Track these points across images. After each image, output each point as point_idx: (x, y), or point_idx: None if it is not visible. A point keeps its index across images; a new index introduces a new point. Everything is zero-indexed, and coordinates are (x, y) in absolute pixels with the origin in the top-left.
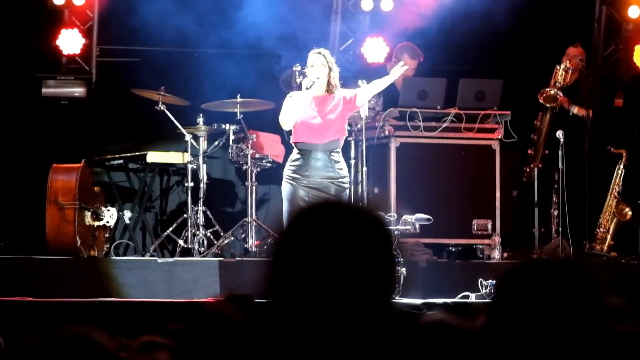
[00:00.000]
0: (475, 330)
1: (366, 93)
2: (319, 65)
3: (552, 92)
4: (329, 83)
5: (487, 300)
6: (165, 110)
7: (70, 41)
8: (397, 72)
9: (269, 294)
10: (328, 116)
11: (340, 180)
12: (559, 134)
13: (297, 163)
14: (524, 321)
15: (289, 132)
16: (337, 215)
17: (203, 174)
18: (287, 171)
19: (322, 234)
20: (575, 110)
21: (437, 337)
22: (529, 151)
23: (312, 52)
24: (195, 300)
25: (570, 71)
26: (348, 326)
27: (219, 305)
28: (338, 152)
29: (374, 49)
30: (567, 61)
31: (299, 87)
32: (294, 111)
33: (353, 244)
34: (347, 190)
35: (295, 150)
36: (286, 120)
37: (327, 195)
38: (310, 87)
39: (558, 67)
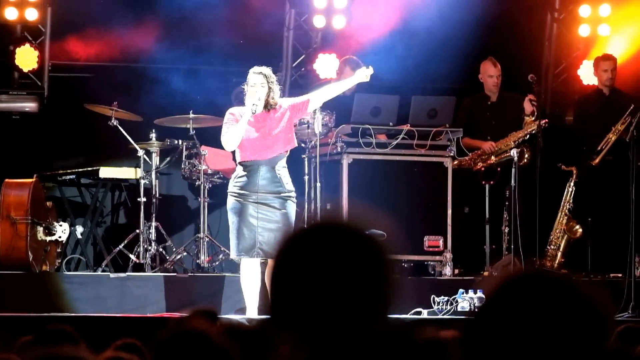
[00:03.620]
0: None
1: (321, 96)
2: (259, 86)
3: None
4: (267, 102)
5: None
6: (118, 125)
7: (26, 58)
8: (359, 77)
9: (270, 311)
10: (273, 132)
11: (286, 194)
12: (513, 152)
13: (243, 179)
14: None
15: (234, 152)
16: (336, 237)
17: (155, 190)
18: (233, 188)
19: (322, 254)
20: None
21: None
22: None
23: (252, 70)
24: (149, 315)
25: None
26: (349, 340)
27: (190, 320)
28: (284, 166)
29: (326, 65)
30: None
31: None
32: (236, 134)
33: (351, 264)
34: (295, 204)
35: (239, 167)
36: (228, 142)
37: (274, 209)
38: (255, 111)
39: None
